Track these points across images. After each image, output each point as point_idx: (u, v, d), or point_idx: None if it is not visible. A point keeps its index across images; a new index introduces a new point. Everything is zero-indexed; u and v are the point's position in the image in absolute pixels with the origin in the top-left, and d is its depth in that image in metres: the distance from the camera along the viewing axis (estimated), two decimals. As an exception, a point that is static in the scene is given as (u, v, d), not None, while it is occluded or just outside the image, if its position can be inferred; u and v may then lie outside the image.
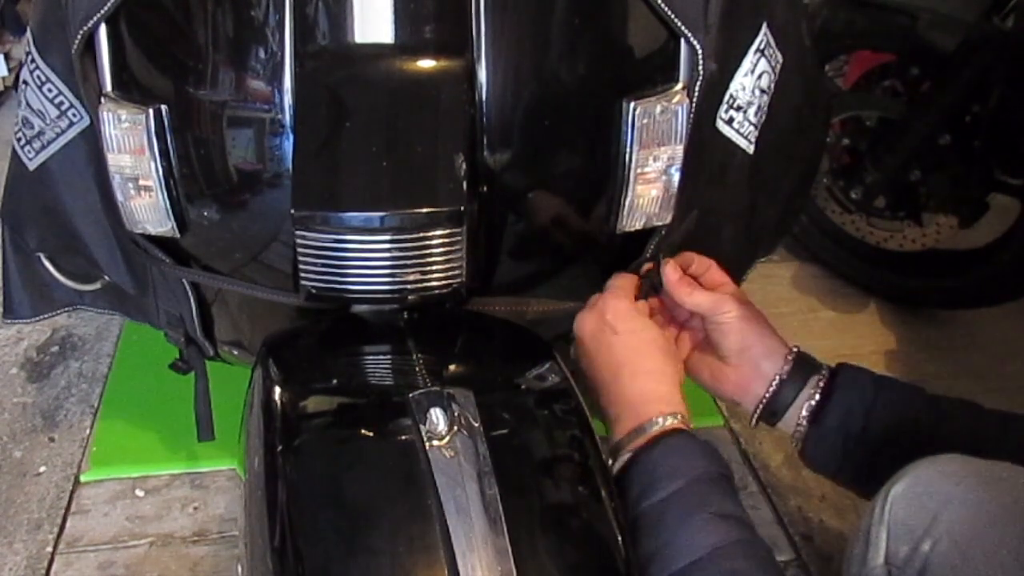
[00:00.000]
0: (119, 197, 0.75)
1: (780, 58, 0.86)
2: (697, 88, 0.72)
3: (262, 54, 0.67)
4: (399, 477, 0.57)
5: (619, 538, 0.59)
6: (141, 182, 0.73)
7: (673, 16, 0.69)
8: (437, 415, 0.59)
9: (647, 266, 0.77)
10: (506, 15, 0.66)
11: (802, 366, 0.73)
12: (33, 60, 0.80)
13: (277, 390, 0.65)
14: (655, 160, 0.73)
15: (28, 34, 0.81)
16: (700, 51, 0.70)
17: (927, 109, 1.38)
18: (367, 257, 0.67)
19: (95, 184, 0.84)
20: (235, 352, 0.94)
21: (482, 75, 0.67)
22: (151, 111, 0.70)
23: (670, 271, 0.74)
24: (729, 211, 0.94)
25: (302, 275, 0.69)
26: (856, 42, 1.55)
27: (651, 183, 0.74)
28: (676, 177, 0.75)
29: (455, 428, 0.59)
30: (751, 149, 0.85)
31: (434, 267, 0.68)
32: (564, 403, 0.66)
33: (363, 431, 0.61)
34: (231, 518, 1.10)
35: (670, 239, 0.80)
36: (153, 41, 0.71)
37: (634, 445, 0.66)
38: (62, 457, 1.19)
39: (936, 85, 1.38)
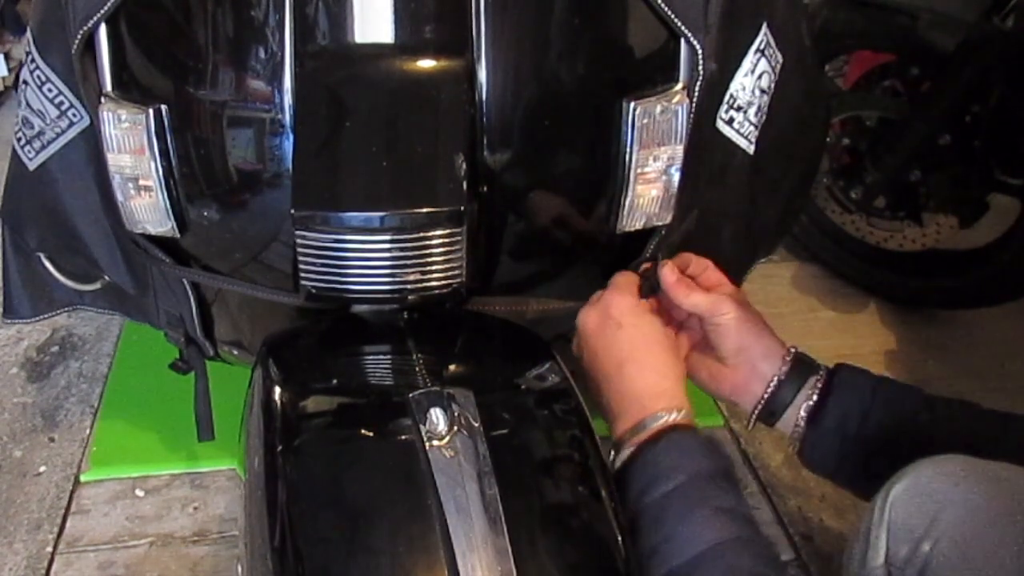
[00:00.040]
0: (119, 197, 0.75)
1: (780, 58, 0.86)
2: (697, 88, 0.72)
3: (262, 54, 0.67)
4: (399, 477, 0.57)
5: (619, 538, 0.59)
6: (141, 182, 0.73)
7: (673, 16, 0.69)
8: (437, 415, 0.59)
9: (645, 266, 0.77)
10: (506, 15, 0.66)
11: (800, 367, 0.73)
12: (33, 60, 0.80)
13: (277, 390, 0.65)
14: (655, 160, 0.73)
15: (28, 34, 0.81)
16: (700, 51, 0.70)
17: (927, 109, 1.38)
18: (367, 257, 0.67)
19: (95, 184, 0.84)
20: (235, 352, 0.94)
21: (482, 75, 0.67)
22: (151, 111, 0.70)
23: (667, 272, 0.74)
24: (729, 211, 0.94)
25: (302, 275, 0.69)
26: (856, 42, 1.55)
27: (651, 183, 0.74)
28: (676, 177, 0.75)
29: (455, 428, 0.59)
30: (751, 149, 0.85)
31: (434, 267, 0.68)
32: (564, 403, 0.66)
33: (363, 431, 0.61)
34: (231, 518, 1.10)
35: (670, 239, 0.80)
36: (153, 41, 0.71)
37: (637, 440, 0.66)
38: (62, 457, 1.19)
39: (936, 85, 1.38)
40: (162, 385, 1.20)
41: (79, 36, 0.69)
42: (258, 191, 0.73)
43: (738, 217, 0.95)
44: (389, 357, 0.72)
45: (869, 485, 0.67)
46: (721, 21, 0.72)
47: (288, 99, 0.67)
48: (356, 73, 0.67)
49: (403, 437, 0.59)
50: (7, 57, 2.21)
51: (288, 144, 0.68)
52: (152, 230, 0.77)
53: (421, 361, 0.67)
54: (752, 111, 0.83)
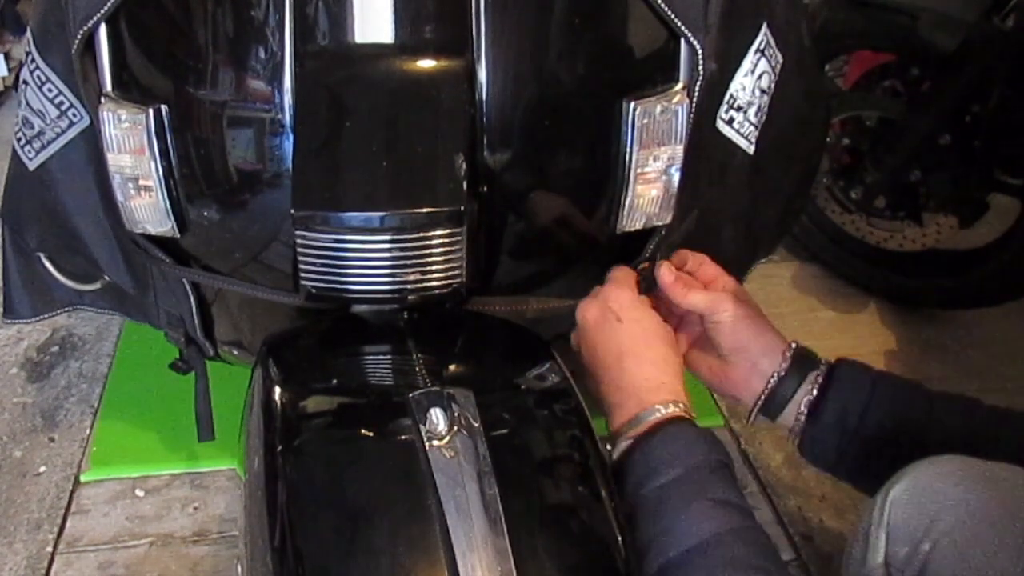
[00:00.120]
0: (119, 197, 0.75)
1: (780, 58, 0.86)
2: (697, 88, 0.72)
3: (262, 54, 0.67)
4: (399, 477, 0.57)
5: (619, 538, 0.59)
6: (141, 182, 0.73)
7: (673, 16, 0.69)
8: (437, 415, 0.59)
9: (643, 266, 0.77)
10: (506, 15, 0.66)
11: (800, 362, 0.73)
12: (33, 60, 0.80)
13: (277, 390, 0.65)
14: (655, 160, 0.73)
15: (28, 34, 0.81)
16: (700, 51, 0.70)
17: (927, 109, 1.38)
18: (367, 257, 0.67)
19: (95, 184, 0.84)
20: (235, 352, 0.94)
21: (482, 75, 0.67)
22: (151, 111, 0.70)
23: (664, 273, 0.74)
24: (729, 211, 0.94)
25: (302, 275, 0.69)
26: (856, 42, 1.55)
27: (651, 183, 0.74)
28: (676, 177, 0.75)
29: (455, 428, 0.59)
30: (751, 149, 0.85)
31: (434, 267, 0.68)
32: (564, 403, 0.66)
33: (363, 431, 0.61)
34: (231, 518, 1.10)
35: (670, 239, 0.80)
36: (153, 41, 0.71)
37: (634, 432, 0.66)
38: (62, 457, 1.19)
39: (936, 85, 1.38)
40: (162, 385, 1.20)
41: (79, 36, 0.69)
42: (258, 191, 0.73)
43: (738, 217, 0.95)
44: (389, 357, 0.72)
45: (869, 479, 0.67)
46: (721, 21, 0.73)
47: (288, 99, 0.67)
48: (356, 73, 0.67)
49: (403, 437, 0.59)
50: (7, 57, 2.21)
51: (288, 144, 0.68)
52: (152, 230, 0.77)
53: (421, 361, 0.67)
54: (752, 111, 0.83)
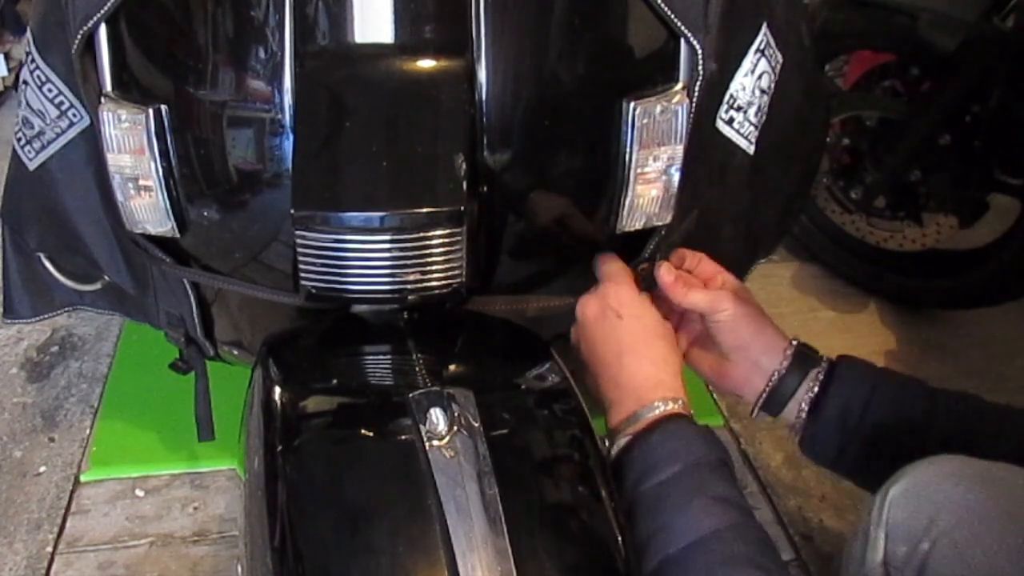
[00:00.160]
0: (119, 197, 0.75)
1: (780, 58, 0.86)
2: (697, 88, 0.72)
3: (262, 54, 0.67)
4: (399, 477, 0.57)
5: (619, 538, 0.59)
6: (141, 182, 0.73)
7: (673, 16, 0.69)
8: (437, 415, 0.59)
9: (643, 266, 0.77)
10: (506, 15, 0.66)
11: (802, 360, 0.73)
12: (33, 60, 0.80)
13: (277, 390, 0.65)
14: (655, 160, 0.73)
15: (28, 34, 0.81)
16: (700, 51, 0.70)
17: (927, 109, 1.38)
18: (367, 257, 0.67)
19: (95, 184, 0.84)
20: (235, 352, 0.94)
21: (482, 75, 0.67)
22: (151, 111, 0.70)
23: (664, 273, 0.75)
24: (729, 211, 0.94)
25: (302, 275, 0.69)
26: (856, 42, 1.55)
27: (651, 183, 0.74)
28: (676, 177, 0.75)
29: (455, 428, 0.59)
30: (751, 149, 0.85)
31: (434, 267, 0.68)
32: (564, 403, 0.66)
33: (363, 431, 0.61)
34: (231, 518, 1.10)
35: (670, 239, 0.80)
36: (153, 41, 0.71)
37: (633, 429, 0.66)
38: (62, 457, 1.19)
39: (936, 85, 1.38)
40: (162, 385, 1.20)
41: (79, 36, 0.69)
42: (258, 191, 0.73)
43: (738, 217, 0.95)
44: (389, 357, 0.72)
45: (870, 476, 0.67)
46: (721, 21, 0.72)
47: (288, 99, 0.67)
48: (356, 73, 0.67)
49: (403, 437, 0.59)
50: (7, 57, 2.21)
51: (288, 144, 0.68)
52: (152, 230, 0.77)
53: (421, 361, 0.67)
54: (752, 111, 0.83)
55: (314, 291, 0.70)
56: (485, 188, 0.70)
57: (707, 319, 0.75)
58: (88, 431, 1.23)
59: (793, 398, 0.73)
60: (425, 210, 0.65)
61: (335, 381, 0.68)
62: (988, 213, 1.44)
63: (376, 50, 0.66)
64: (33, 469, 1.17)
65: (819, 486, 1.17)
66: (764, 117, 0.85)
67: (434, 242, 0.67)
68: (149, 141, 0.71)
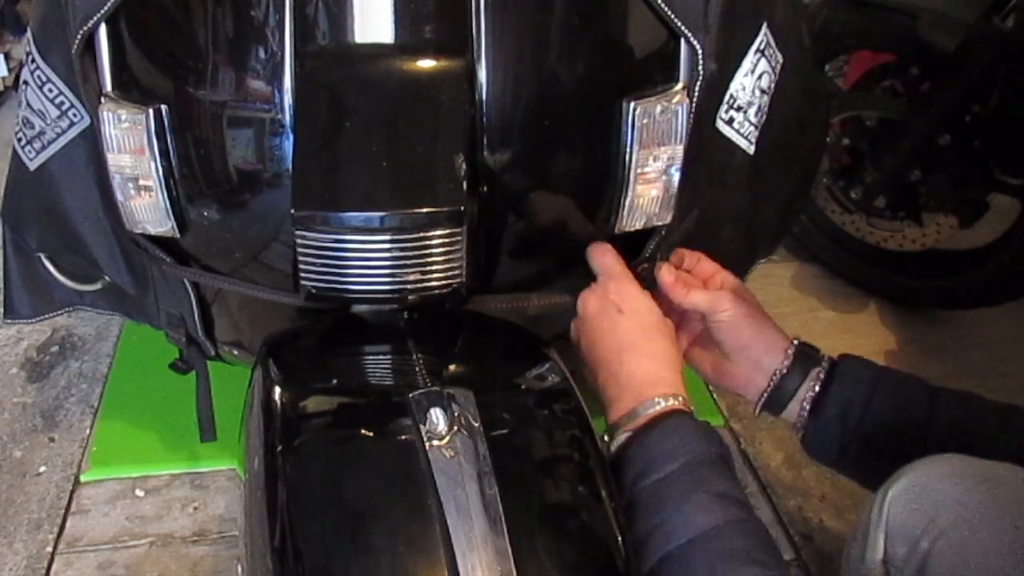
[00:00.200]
0: (119, 197, 0.75)
1: (780, 58, 0.86)
2: (697, 88, 0.72)
3: (262, 54, 0.67)
4: (399, 477, 0.57)
5: (619, 538, 0.59)
6: (141, 182, 0.73)
7: (673, 16, 0.69)
8: (437, 415, 0.59)
9: (643, 266, 0.77)
10: (506, 15, 0.66)
11: (803, 359, 0.73)
12: (33, 60, 0.80)
13: (277, 390, 0.65)
14: (655, 160, 0.73)
15: (28, 34, 0.81)
16: (700, 51, 0.70)
17: (927, 109, 1.38)
18: (367, 257, 0.67)
19: (95, 184, 0.84)
20: (235, 352, 0.94)
21: (482, 75, 0.67)
22: (151, 111, 0.70)
23: (664, 274, 0.75)
24: (729, 211, 0.94)
25: (302, 275, 0.69)
26: (856, 42, 1.55)
27: (651, 183, 0.74)
28: (676, 177, 0.75)
29: (455, 428, 0.59)
30: (751, 149, 0.85)
31: (434, 267, 0.68)
32: (564, 403, 0.66)
33: (363, 431, 0.61)
34: (231, 518, 1.10)
35: (670, 239, 0.80)
36: (153, 41, 0.71)
37: (632, 425, 0.66)
38: (62, 457, 1.19)
39: (936, 85, 1.38)
40: (162, 385, 1.20)
41: (79, 36, 0.70)
42: (258, 191, 0.73)
43: (738, 217, 0.95)
44: (389, 357, 0.72)
45: (871, 474, 0.68)
46: (721, 21, 0.73)
47: (288, 99, 0.67)
48: (356, 73, 0.67)
49: (403, 437, 0.59)
50: (7, 57, 2.21)
51: (288, 144, 0.68)
52: (152, 230, 0.77)
53: (421, 361, 0.67)
54: (752, 111, 0.83)
55: (314, 291, 0.70)
56: (485, 188, 0.70)
57: (708, 319, 0.75)
58: (88, 431, 1.23)
59: (794, 398, 0.73)
60: (425, 210, 0.65)
61: (335, 381, 0.68)
62: (988, 213, 1.43)
63: (376, 50, 0.66)
64: (33, 469, 1.17)
65: (819, 486, 1.17)
66: (764, 117, 0.85)
67: (434, 242, 0.67)
68: (149, 141, 0.71)
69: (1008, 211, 1.40)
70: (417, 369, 0.66)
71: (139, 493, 1.14)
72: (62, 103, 0.80)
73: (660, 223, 0.78)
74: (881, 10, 1.42)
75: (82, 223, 0.88)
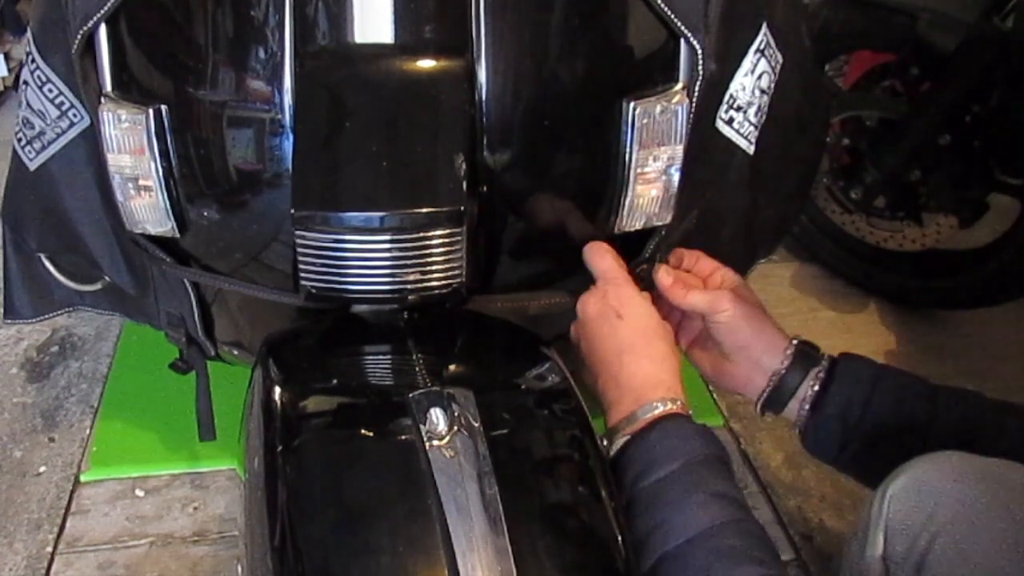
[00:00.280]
0: (119, 197, 0.75)
1: (780, 58, 0.86)
2: (697, 88, 0.72)
3: (262, 54, 0.67)
4: (399, 477, 0.57)
5: (619, 538, 0.59)
6: (141, 182, 0.73)
7: (673, 16, 0.69)
8: (437, 415, 0.59)
9: (642, 267, 0.77)
10: (506, 15, 0.66)
11: (803, 358, 0.74)
12: (33, 60, 0.80)
13: (277, 390, 0.65)
14: (655, 160, 0.73)
15: (28, 34, 0.81)
16: (700, 51, 0.70)
17: (927, 109, 1.38)
18: (367, 257, 0.67)
19: (95, 184, 0.84)
20: (235, 352, 0.94)
21: (482, 75, 0.67)
22: (151, 111, 0.70)
23: (663, 276, 0.75)
24: (729, 211, 0.94)
25: (302, 275, 0.69)
26: (856, 42, 1.55)
27: (651, 183, 0.74)
28: (676, 177, 0.75)
29: (455, 428, 0.59)
30: (751, 149, 0.85)
31: (434, 267, 0.68)
32: (564, 403, 0.66)
33: (363, 431, 0.61)
34: (231, 518, 1.10)
35: (670, 239, 0.80)
36: (153, 41, 0.71)
37: (631, 428, 0.66)
38: (62, 457, 1.19)
39: (936, 85, 1.38)
40: (162, 385, 1.20)
41: (79, 36, 0.70)
42: (258, 191, 0.73)
43: (738, 217, 0.95)
44: (389, 357, 0.72)
45: (871, 472, 0.68)
46: (721, 21, 0.73)
47: (288, 99, 0.67)
48: (356, 73, 0.67)
49: (403, 437, 0.59)
50: (7, 57, 2.21)
51: (288, 144, 0.68)
52: (152, 230, 0.77)
53: (421, 361, 0.67)
54: (752, 111, 0.83)
55: (314, 291, 0.70)
56: (485, 188, 0.70)
57: (707, 319, 0.75)
58: (88, 431, 1.23)
59: (794, 396, 0.73)
60: (425, 210, 0.65)
61: (335, 381, 0.68)
62: (988, 213, 1.43)
63: (376, 50, 0.66)
64: (33, 469, 1.17)
65: (819, 486, 1.17)
66: (764, 117, 0.85)
67: (434, 242, 0.67)
68: (149, 141, 0.71)
69: (1008, 211, 1.40)
70: (417, 369, 0.66)
71: (139, 493, 1.14)
72: (62, 103, 0.80)
73: (660, 223, 0.78)
74: (881, 10, 1.42)
75: (82, 223, 0.88)
